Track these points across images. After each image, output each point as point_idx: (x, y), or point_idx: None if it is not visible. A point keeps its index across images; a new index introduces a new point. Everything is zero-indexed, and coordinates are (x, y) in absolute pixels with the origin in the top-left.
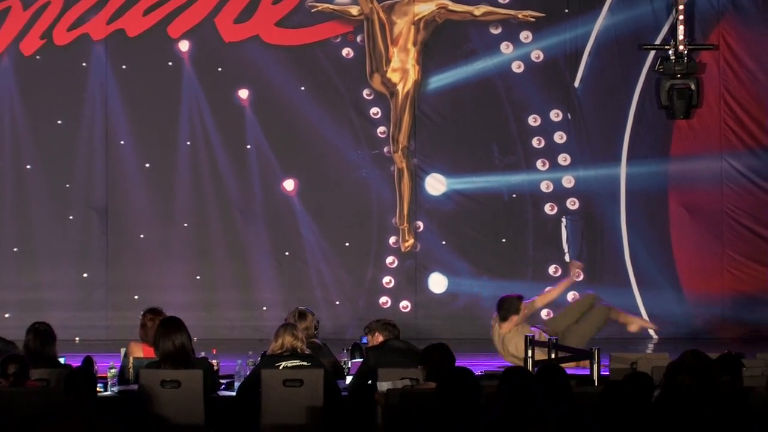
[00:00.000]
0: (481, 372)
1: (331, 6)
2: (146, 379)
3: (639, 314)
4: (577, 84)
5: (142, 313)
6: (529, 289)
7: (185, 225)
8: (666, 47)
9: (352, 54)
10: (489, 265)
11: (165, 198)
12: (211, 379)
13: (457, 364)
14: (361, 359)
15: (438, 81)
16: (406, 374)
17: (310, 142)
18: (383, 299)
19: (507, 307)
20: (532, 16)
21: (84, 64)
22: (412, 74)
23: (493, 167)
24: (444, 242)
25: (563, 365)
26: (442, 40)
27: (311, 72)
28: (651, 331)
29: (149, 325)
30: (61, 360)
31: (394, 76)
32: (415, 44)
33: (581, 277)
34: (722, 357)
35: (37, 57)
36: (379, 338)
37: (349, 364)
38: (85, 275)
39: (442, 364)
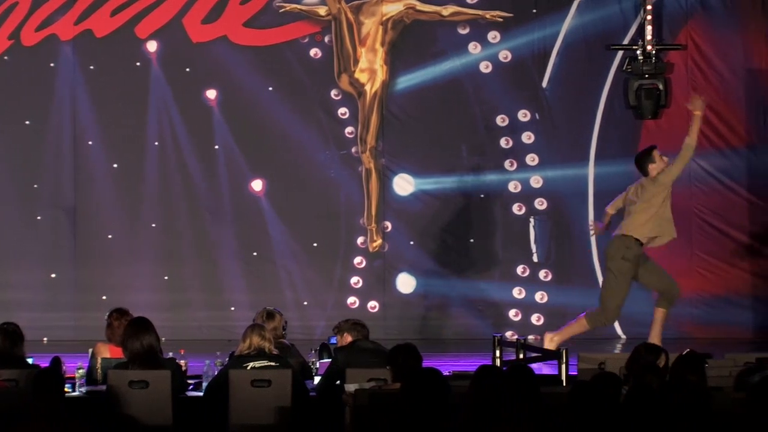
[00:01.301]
0: (449, 372)
1: (298, 6)
2: (114, 379)
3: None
4: (545, 84)
5: (108, 313)
6: (498, 289)
7: (153, 225)
8: (634, 47)
9: (320, 54)
10: (457, 265)
11: (133, 198)
12: (179, 379)
13: (425, 364)
14: (330, 359)
15: (406, 81)
16: (375, 375)
17: (278, 142)
18: (351, 299)
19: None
20: (500, 17)
21: (52, 64)
22: (380, 74)
23: (461, 167)
24: (412, 242)
25: None
26: (410, 41)
27: (279, 72)
28: (619, 330)
29: (115, 325)
30: (30, 360)
31: (362, 77)
32: (383, 44)
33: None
34: (683, 355)
35: (5, 58)
36: (348, 338)
37: (318, 364)
38: (53, 276)
39: (408, 364)
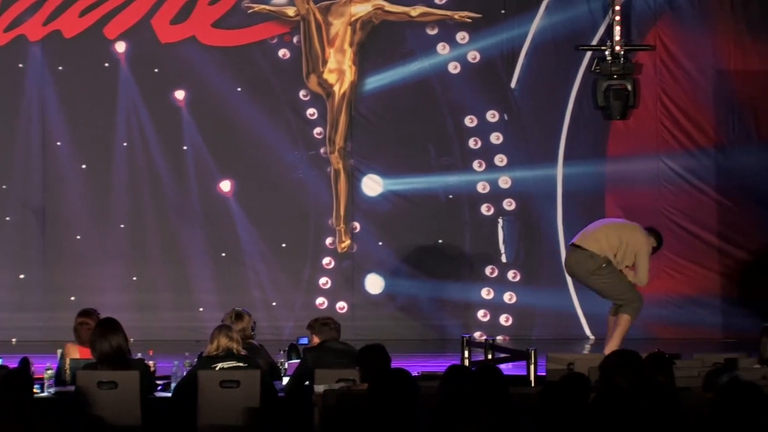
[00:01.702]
0: (418, 373)
1: (267, 7)
2: (83, 380)
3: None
4: (513, 85)
5: (76, 314)
6: (466, 290)
7: (122, 226)
8: (602, 48)
9: (288, 55)
10: (426, 265)
11: (102, 199)
12: (148, 380)
13: (394, 365)
14: (298, 360)
15: (374, 82)
16: (343, 375)
17: (246, 143)
18: (320, 300)
19: None
20: (469, 17)
21: (21, 65)
22: (349, 75)
23: (430, 168)
24: (381, 243)
25: None
26: (378, 41)
27: (248, 73)
28: (587, 331)
29: (83, 327)
30: None
31: (330, 77)
32: (351, 45)
33: None
34: (651, 356)
35: None
36: (316, 339)
37: (286, 365)
38: (21, 276)
39: (376, 365)
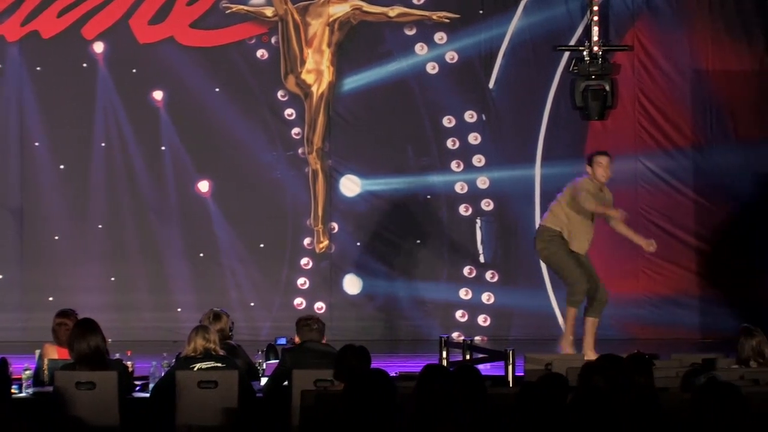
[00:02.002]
0: (396, 373)
1: (245, 7)
2: (61, 380)
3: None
4: (491, 85)
5: (54, 315)
6: (445, 290)
7: (100, 226)
8: (580, 48)
9: (266, 55)
10: (404, 266)
11: (80, 199)
12: (126, 380)
13: (372, 365)
14: (276, 360)
15: (352, 82)
16: (321, 375)
17: (224, 143)
18: (298, 300)
19: None
20: (447, 18)
21: None
22: (327, 75)
23: (408, 168)
24: (359, 243)
25: None
26: (356, 42)
27: (226, 73)
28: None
29: (61, 327)
30: None
31: (308, 78)
32: (329, 45)
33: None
34: (632, 357)
35: None
36: (297, 339)
37: (264, 365)
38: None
39: (351, 365)
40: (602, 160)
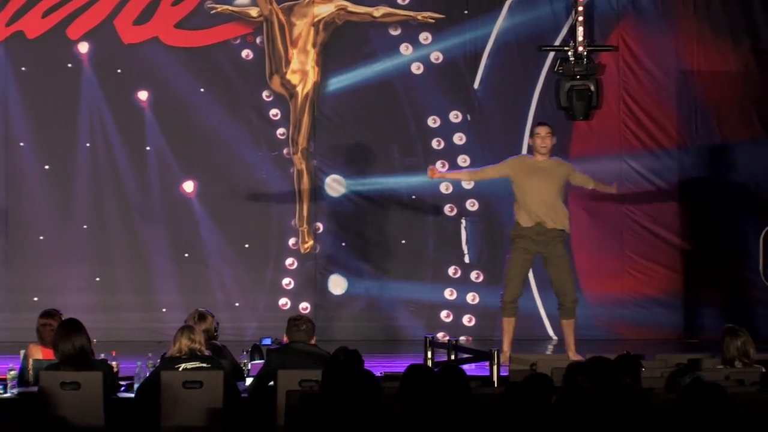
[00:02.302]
0: (381, 373)
1: (230, 7)
2: (46, 380)
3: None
4: (476, 85)
5: (38, 315)
6: (430, 290)
7: (85, 227)
8: (565, 48)
9: (251, 55)
10: (389, 266)
11: (65, 199)
12: (111, 380)
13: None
14: (261, 361)
15: (337, 82)
16: (307, 376)
17: (209, 143)
18: (283, 301)
19: None
20: (432, 18)
21: None
22: (312, 76)
23: (393, 169)
24: (344, 244)
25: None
26: (341, 42)
27: (211, 74)
28: (550, 332)
29: (44, 328)
30: None
31: (293, 78)
32: (314, 46)
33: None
34: (621, 358)
35: None
36: (286, 339)
37: (249, 365)
38: None
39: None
40: (539, 130)
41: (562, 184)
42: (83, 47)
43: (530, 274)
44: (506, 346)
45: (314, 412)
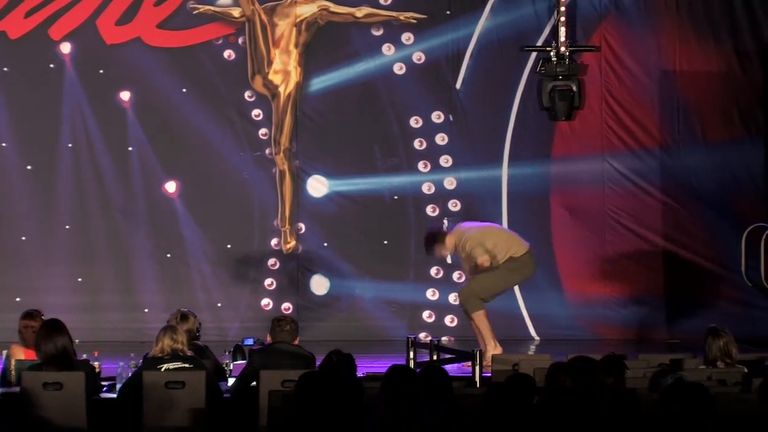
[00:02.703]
0: (363, 374)
1: (212, 8)
2: (28, 381)
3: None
4: (458, 86)
5: (20, 317)
6: (412, 291)
7: (67, 227)
8: (548, 49)
9: (233, 56)
10: (371, 266)
11: (47, 200)
12: (93, 381)
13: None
14: (244, 361)
15: (320, 83)
16: (289, 376)
17: (191, 144)
18: (265, 301)
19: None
20: (414, 18)
21: None
22: (294, 76)
23: (375, 169)
24: (326, 244)
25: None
26: (323, 42)
27: (193, 74)
28: (533, 332)
29: (26, 329)
30: None
31: (275, 78)
32: (296, 46)
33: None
34: (606, 358)
35: None
36: (269, 339)
37: (231, 366)
38: None
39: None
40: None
41: None
42: (65, 47)
43: None
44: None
45: (291, 415)
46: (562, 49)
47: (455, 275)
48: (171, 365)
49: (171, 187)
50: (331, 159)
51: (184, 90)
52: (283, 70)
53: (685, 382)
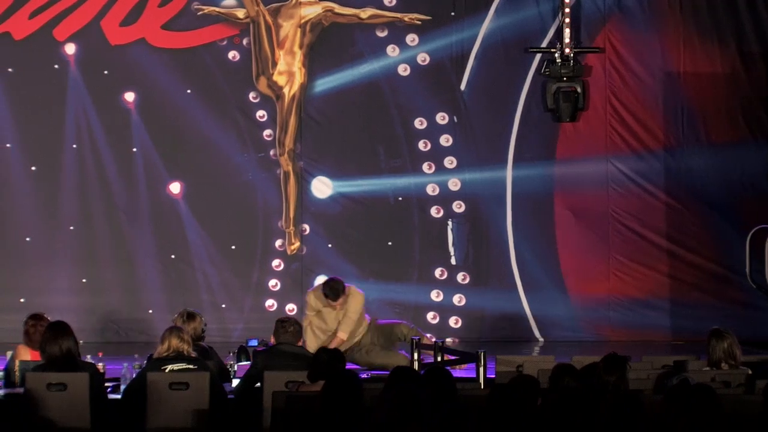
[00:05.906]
0: (367, 375)
1: (217, 9)
2: (32, 382)
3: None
4: (463, 87)
5: (25, 319)
6: (416, 292)
7: (71, 228)
8: (552, 50)
9: (238, 57)
10: (375, 268)
11: (51, 201)
12: (97, 382)
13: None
14: (248, 362)
15: (324, 84)
16: (293, 377)
17: (196, 145)
18: (269, 302)
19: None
20: (419, 19)
21: None
22: (299, 77)
23: (379, 170)
24: (330, 245)
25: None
26: (328, 43)
27: (197, 75)
28: (537, 333)
29: (31, 331)
30: None
31: (280, 79)
32: (301, 47)
33: None
34: (607, 358)
35: None
36: (273, 340)
37: (236, 367)
38: None
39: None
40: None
41: None
42: (70, 48)
43: (516, 276)
44: None
45: (302, 413)
46: (567, 50)
47: (459, 277)
48: (175, 366)
49: (175, 188)
50: (336, 160)
51: (189, 91)
52: (288, 71)
53: (690, 384)
